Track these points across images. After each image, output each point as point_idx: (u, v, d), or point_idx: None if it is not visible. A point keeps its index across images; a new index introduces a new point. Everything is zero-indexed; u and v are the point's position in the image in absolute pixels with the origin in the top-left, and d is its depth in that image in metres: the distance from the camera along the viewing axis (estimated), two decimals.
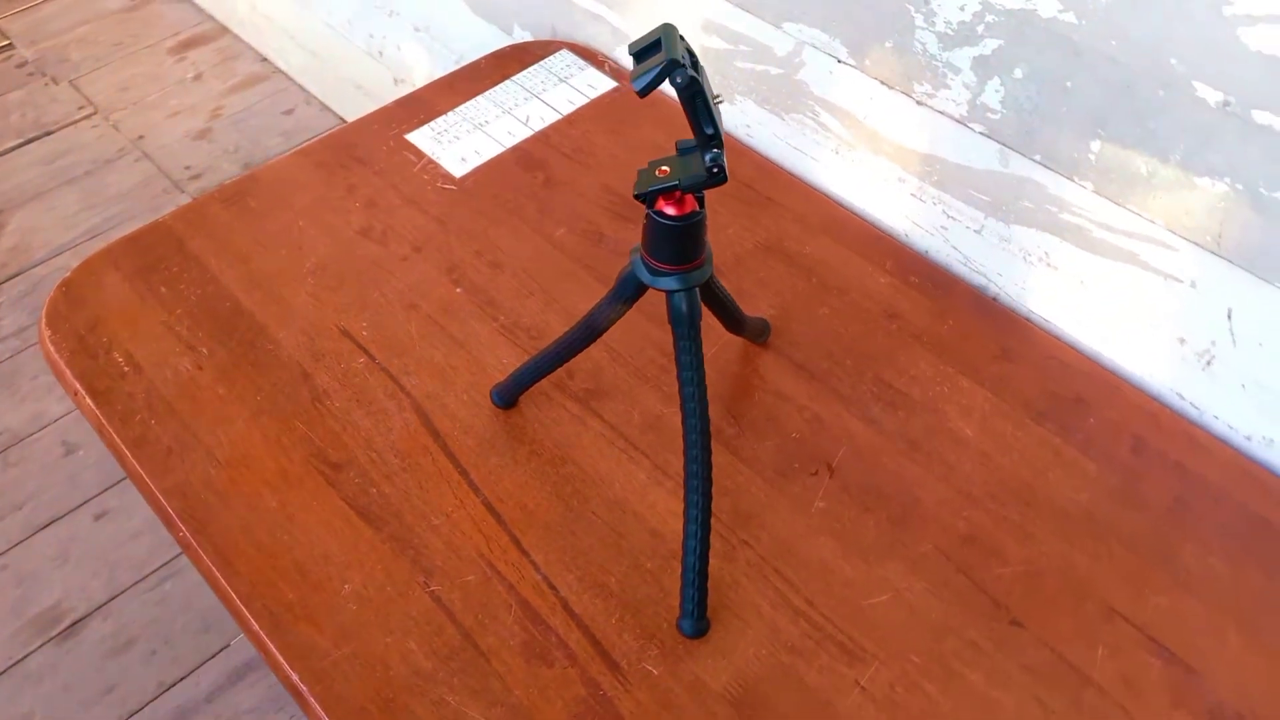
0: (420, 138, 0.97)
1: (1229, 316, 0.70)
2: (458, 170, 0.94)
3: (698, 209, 0.54)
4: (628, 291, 0.60)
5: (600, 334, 0.65)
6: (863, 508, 0.71)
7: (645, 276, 0.57)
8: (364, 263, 0.86)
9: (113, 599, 1.15)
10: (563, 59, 1.05)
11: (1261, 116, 0.61)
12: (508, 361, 0.79)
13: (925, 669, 0.63)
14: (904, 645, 0.64)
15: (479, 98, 1.01)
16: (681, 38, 0.49)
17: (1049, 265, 0.79)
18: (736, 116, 0.96)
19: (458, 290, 0.84)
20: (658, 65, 0.47)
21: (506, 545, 0.69)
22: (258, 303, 0.82)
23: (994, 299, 0.85)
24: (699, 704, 0.62)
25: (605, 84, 1.02)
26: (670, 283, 0.57)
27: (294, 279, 0.84)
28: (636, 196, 0.55)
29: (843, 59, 0.83)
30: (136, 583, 1.17)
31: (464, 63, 1.28)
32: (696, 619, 0.63)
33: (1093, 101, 0.69)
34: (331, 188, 0.92)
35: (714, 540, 0.67)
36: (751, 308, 0.82)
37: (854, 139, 0.87)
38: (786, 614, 0.66)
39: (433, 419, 0.75)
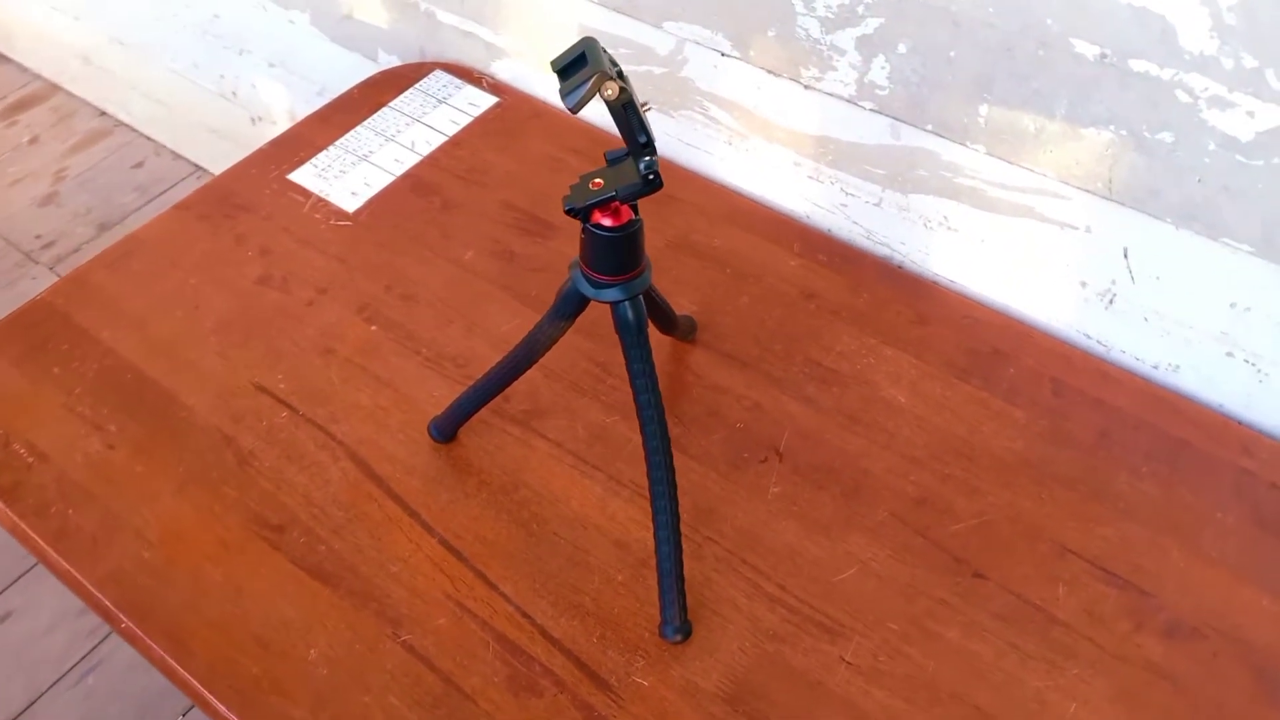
0: (304, 176, 0.93)
1: (1126, 255, 0.74)
2: (350, 205, 0.91)
3: (634, 217, 0.54)
4: (569, 308, 0.59)
5: (542, 354, 0.64)
6: (815, 486, 0.72)
7: (588, 290, 0.57)
8: (268, 313, 0.82)
9: (34, 702, 1.08)
10: (438, 80, 1.03)
11: (1138, 65, 0.65)
12: (438, 394, 0.77)
13: (904, 634, 0.65)
14: (879, 614, 0.66)
15: (358, 128, 0.98)
16: (604, 50, 0.49)
17: (949, 229, 0.82)
18: None
19: (373, 328, 0.81)
20: (586, 79, 0.46)
21: (472, 581, 0.67)
22: (162, 370, 0.78)
23: (899, 267, 0.87)
24: (695, 707, 0.62)
25: (486, 100, 1.01)
26: (614, 294, 0.56)
27: (196, 339, 0.80)
28: (570, 212, 0.54)
29: (726, 52, 0.84)
30: (57, 681, 1.10)
31: (327, 94, 1.24)
32: (679, 623, 0.63)
33: (976, 68, 0.72)
34: (219, 239, 0.88)
35: (686, 541, 0.68)
36: (674, 305, 0.82)
37: (746, 129, 0.88)
38: (762, 602, 0.66)
39: (371, 464, 0.73)
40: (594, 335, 0.78)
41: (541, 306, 0.82)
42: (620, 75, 0.48)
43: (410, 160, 0.95)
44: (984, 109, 0.73)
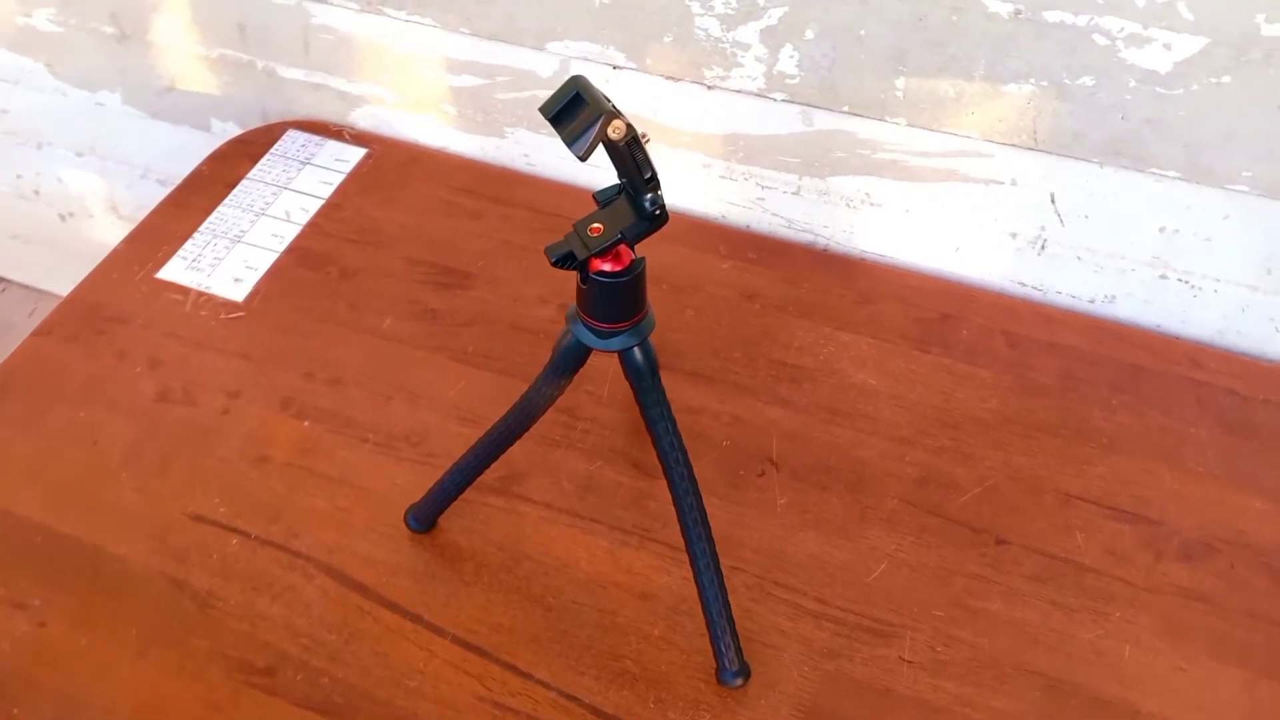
0: (174, 272, 0.84)
1: (1053, 201, 0.76)
2: (237, 293, 0.82)
3: (637, 257, 0.50)
4: (571, 363, 0.54)
5: (538, 418, 0.59)
6: (820, 488, 0.70)
7: (594, 342, 0.52)
8: (180, 431, 0.73)
9: None
10: (293, 141, 0.95)
11: (1053, 15, 0.66)
12: (401, 480, 0.70)
13: (951, 618, 0.64)
14: (921, 604, 0.65)
15: (221, 208, 0.89)
16: (592, 84, 0.44)
17: (873, 205, 0.82)
18: (511, 148, 0.91)
19: (305, 423, 0.74)
20: (592, 122, 0.42)
21: (503, 675, 0.61)
22: (76, 521, 0.68)
23: (825, 250, 0.87)
24: None
25: (353, 154, 0.94)
26: (624, 340, 0.52)
27: (106, 478, 0.70)
28: (564, 263, 0.50)
29: (620, 64, 0.81)
30: None
31: (153, 176, 1.13)
32: (738, 666, 0.60)
33: (889, 42, 0.71)
34: (99, 360, 0.77)
35: None
36: None
37: (649, 138, 0.85)
38: (808, 621, 0.64)
39: (350, 573, 0.66)
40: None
41: (483, 362, 0.77)
42: (616, 110, 0.44)
43: (290, 232, 0.87)
44: (900, 81, 0.73)
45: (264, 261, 0.84)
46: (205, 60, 0.97)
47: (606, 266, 0.49)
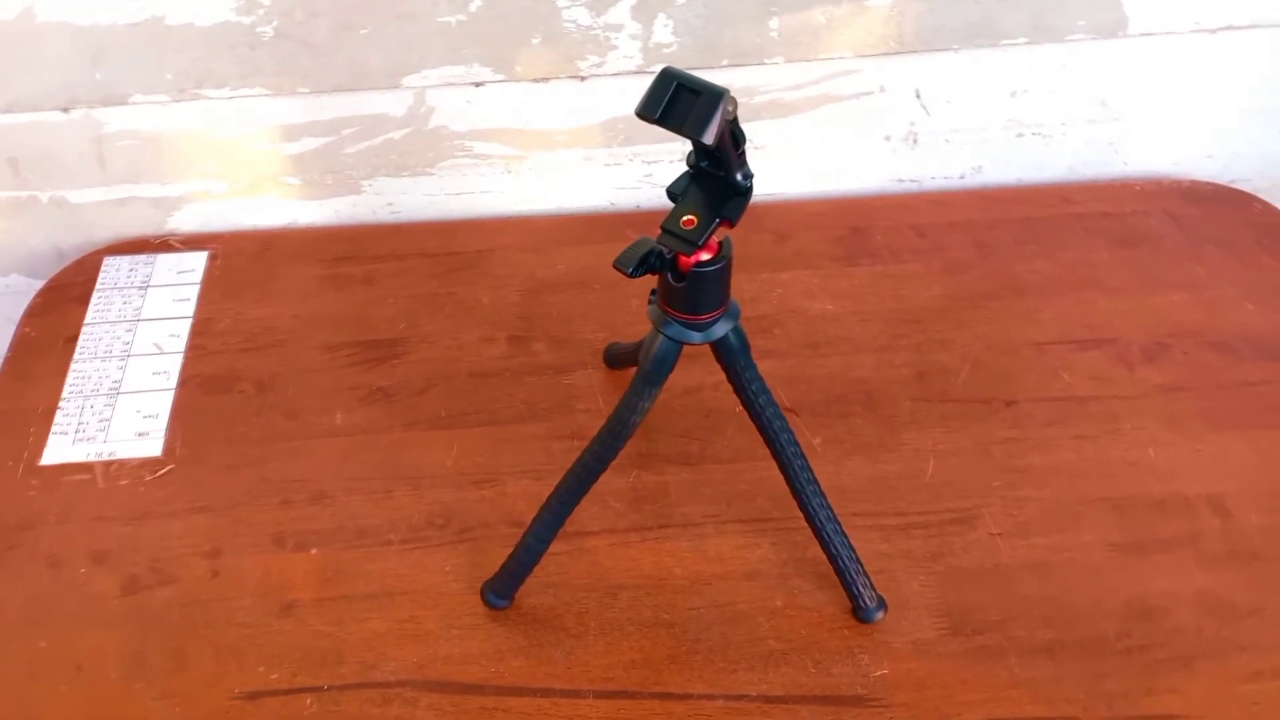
0: (60, 452, 0.71)
1: (918, 96, 0.82)
2: (151, 448, 0.71)
3: (721, 240, 0.49)
4: (667, 369, 0.52)
5: (629, 437, 0.56)
6: (842, 416, 0.72)
7: (693, 337, 0.51)
8: (174, 615, 0.63)
9: None
10: (117, 268, 0.83)
11: None
12: (451, 567, 0.65)
13: (1009, 484, 0.68)
14: (980, 482, 0.68)
15: (74, 366, 0.76)
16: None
17: (757, 148, 0.84)
18: (371, 201, 0.85)
19: (313, 552, 0.66)
20: (714, 103, 0.40)
21: (663, 706, 0.59)
22: None
23: None
24: (939, 658, 0.60)
25: (195, 261, 0.83)
26: (724, 325, 0.51)
27: (117, 700, 0.59)
28: (643, 270, 0.48)
29: (484, 80, 0.77)
30: None
31: None
32: (877, 599, 0.61)
33: None
34: (28, 578, 0.65)
35: (791, 534, 0.65)
36: (586, 341, 0.77)
37: (522, 149, 0.82)
38: (899, 536, 0.66)
39: (455, 679, 0.60)
40: (532, 416, 0.71)
41: (462, 421, 0.73)
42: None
43: (172, 365, 0.76)
44: (774, 22, 0.75)
45: (161, 405, 0.74)
46: None
47: (705, 255, 0.48)
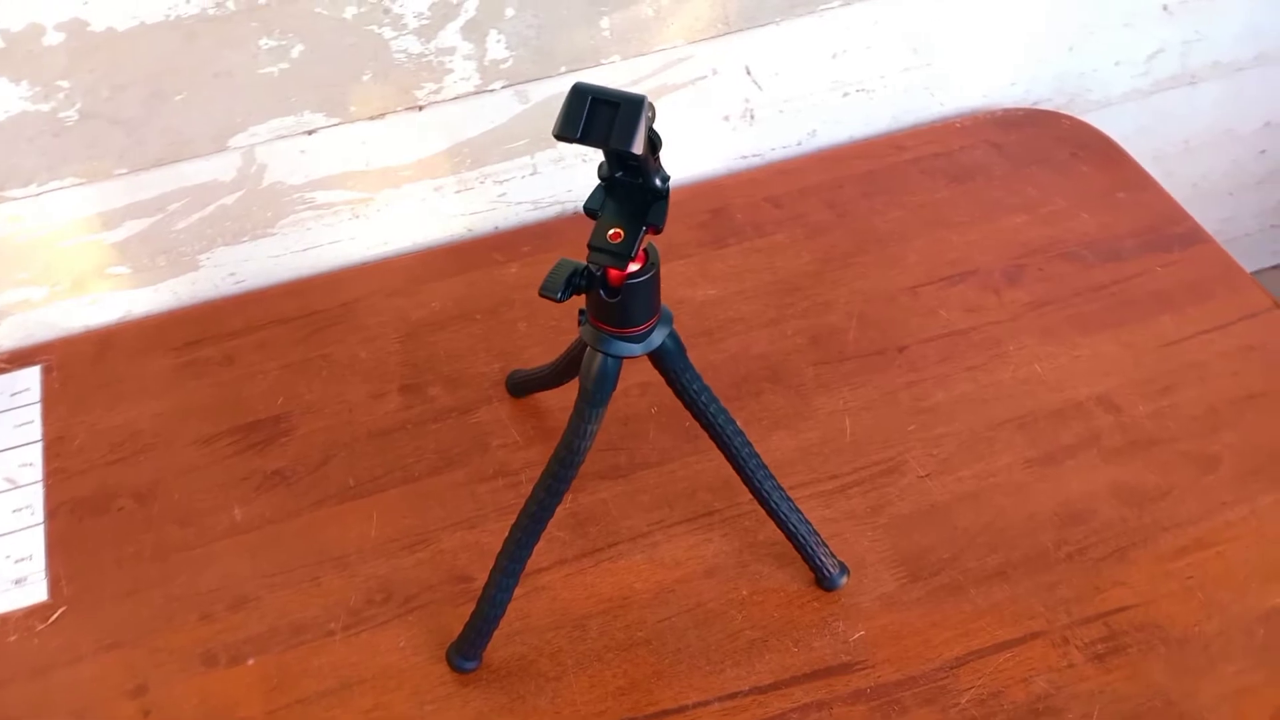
0: None
1: (748, 72, 0.84)
2: (34, 594, 0.64)
3: (645, 248, 0.48)
4: (609, 388, 0.51)
5: (580, 465, 0.55)
6: (753, 395, 0.73)
7: (631, 350, 0.50)
8: None
9: None
10: None
11: None
12: (405, 641, 0.61)
13: (923, 425, 0.71)
14: (896, 430, 0.71)
15: None
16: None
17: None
18: (211, 275, 0.79)
19: (250, 662, 0.61)
20: (637, 111, 0.39)
21: None
22: None
23: (575, 213, 0.87)
24: (907, 606, 0.62)
25: (27, 378, 0.75)
26: (661, 331, 0.50)
27: None
28: (570, 292, 0.46)
29: (317, 127, 0.73)
30: None
31: None
32: (838, 565, 0.62)
33: None
34: None
35: (737, 521, 0.66)
36: (485, 371, 0.74)
37: (368, 190, 0.78)
38: (838, 499, 0.67)
39: None
40: (447, 464, 0.68)
41: (374, 486, 0.69)
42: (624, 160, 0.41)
43: (32, 496, 0.68)
44: (605, 21, 0.74)
45: (33, 543, 0.66)
46: None
47: (634, 267, 0.47)
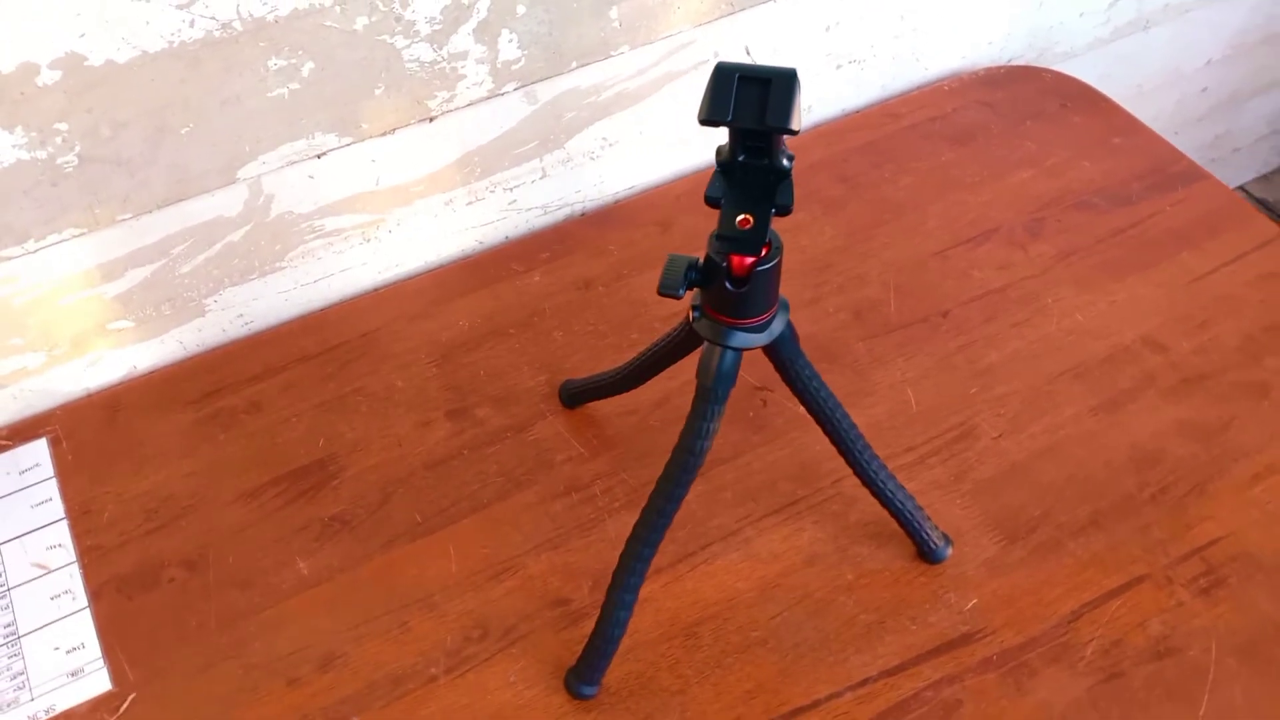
0: None
1: (748, 52, 0.82)
2: (96, 685, 0.58)
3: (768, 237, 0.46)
4: (731, 382, 0.49)
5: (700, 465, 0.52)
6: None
7: (754, 341, 0.48)
8: None
9: None
10: None
11: None
12: (514, 676, 0.58)
13: (984, 387, 0.71)
14: (959, 395, 0.70)
15: None
16: None
17: (610, 145, 0.81)
18: (219, 319, 0.74)
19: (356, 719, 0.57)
20: (790, 86, 0.37)
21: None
22: None
23: (584, 213, 0.84)
24: (1012, 568, 0.62)
25: (35, 451, 0.69)
26: (781, 319, 0.48)
27: None
28: (690, 285, 0.44)
29: (330, 149, 0.68)
30: None
31: None
32: (942, 538, 0.61)
33: None
34: None
35: (825, 506, 0.64)
36: (522, 382, 0.71)
37: (378, 211, 0.74)
38: (919, 470, 0.66)
39: None
40: (516, 486, 0.65)
41: (444, 520, 0.65)
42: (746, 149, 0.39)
43: (72, 580, 0.63)
44: (614, 11, 0.72)
45: (81, 630, 0.61)
46: None
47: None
